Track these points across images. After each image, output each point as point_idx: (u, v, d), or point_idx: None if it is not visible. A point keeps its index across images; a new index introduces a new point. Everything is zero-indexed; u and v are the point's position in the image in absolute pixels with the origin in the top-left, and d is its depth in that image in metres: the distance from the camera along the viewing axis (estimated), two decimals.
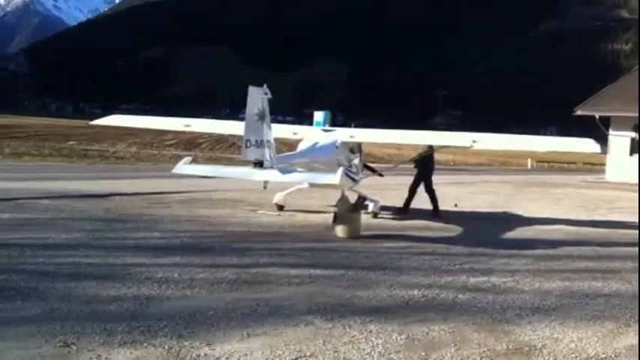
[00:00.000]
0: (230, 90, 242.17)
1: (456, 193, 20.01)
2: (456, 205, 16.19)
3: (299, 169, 10.82)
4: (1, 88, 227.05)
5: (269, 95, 10.16)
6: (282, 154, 11.45)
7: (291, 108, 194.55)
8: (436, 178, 27.24)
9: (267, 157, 10.02)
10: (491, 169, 44.44)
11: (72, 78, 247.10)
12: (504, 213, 15.37)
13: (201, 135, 49.39)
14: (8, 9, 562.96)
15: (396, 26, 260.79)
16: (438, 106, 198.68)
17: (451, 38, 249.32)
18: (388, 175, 16.52)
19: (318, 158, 11.63)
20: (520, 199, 18.96)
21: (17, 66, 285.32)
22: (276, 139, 10.66)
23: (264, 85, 10.21)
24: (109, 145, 44.24)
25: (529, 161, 48.46)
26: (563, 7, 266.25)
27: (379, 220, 12.83)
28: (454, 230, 11.80)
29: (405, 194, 14.39)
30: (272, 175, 10.13)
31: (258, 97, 10.02)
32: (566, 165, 47.75)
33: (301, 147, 12.50)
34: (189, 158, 11.17)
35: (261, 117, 10.04)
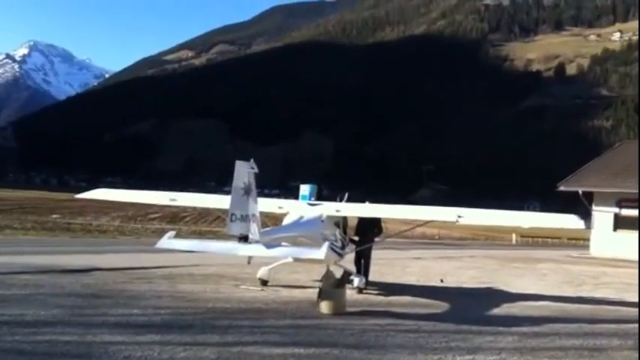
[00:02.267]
0: (216, 163, 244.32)
1: (442, 268, 20.04)
2: (442, 281, 16.14)
3: (284, 244, 10.75)
4: None
5: (255, 169, 10.21)
6: (268, 229, 11.40)
7: (278, 181, 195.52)
8: (423, 253, 27.53)
9: (252, 231, 9.99)
10: (476, 243, 44.51)
11: (58, 151, 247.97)
12: (489, 289, 15.29)
13: (185, 209, 49.37)
14: None
15: (379, 100, 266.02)
16: (423, 180, 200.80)
17: (434, 113, 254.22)
18: (375, 249, 16.44)
19: (303, 232, 11.60)
20: (505, 275, 18.92)
21: (4, 140, 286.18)
22: (261, 213, 10.65)
23: (251, 160, 10.28)
24: (92, 219, 43.95)
25: (513, 236, 48.68)
26: (543, 85, 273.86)
27: (364, 295, 12.69)
28: (440, 307, 11.66)
29: (390, 268, 14.29)
30: (257, 250, 10.06)
31: (244, 171, 10.07)
32: (550, 240, 47.98)
33: (287, 221, 12.48)
34: (173, 232, 11.10)
35: (247, 191, 10.05)
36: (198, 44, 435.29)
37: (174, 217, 51.63)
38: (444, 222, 14.23)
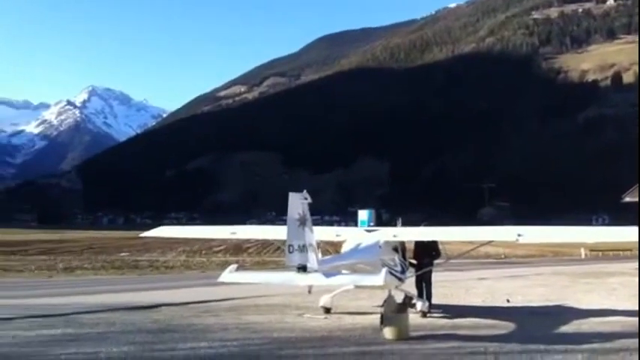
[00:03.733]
0: (274, 193, 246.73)
1: (509, 287, 19.65)
2: (508, 300, 15.87)
3: (342, 272, 10.84)
4: (55, 204, 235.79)
5: (309, 200, 10.37)
6: (326, 257, 11.52)
7: (336, 207, 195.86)
8: (487, 273, 27.03)
9: (311, 260, 10.12)
10: (543, 260, 43.36)
11: (122, 191, 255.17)
12: (558, 306, 14.93)
13: (248, 240, 49.95)
14: (61, 128, 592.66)
15: (433, 121, 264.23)
16: (485, 199, 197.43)
17: (489, 131, 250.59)
18: (437, 271, 16.33)
19: (361, 259, 11.67)
20: (574, 291, 18.41)
21: (70, 182, 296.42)
22: (319, 242, 10.79)
23: (304, 191, 10.45)
24: (158, 255, 44.96)
25: (582, 251, 47.24)
26: (600, 96, 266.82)
27: (428, 319, 12.61)
28: (506, 327, 11.49)
29: (454, 290, 14.14)
30: (315, 279, 10.17)
31: (298, 202, 10.24)
32: (621, 253, 46.29)
33: (345, 248, 12.59)
34: (235, 266, 11.32)
35: (303, 221, 10.21)
36: (250, 79, 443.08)
37: (237, 249, 52.29)
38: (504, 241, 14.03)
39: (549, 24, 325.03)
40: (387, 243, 12.56)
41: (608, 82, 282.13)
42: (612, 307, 14.26)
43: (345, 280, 11.00)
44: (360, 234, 13.10)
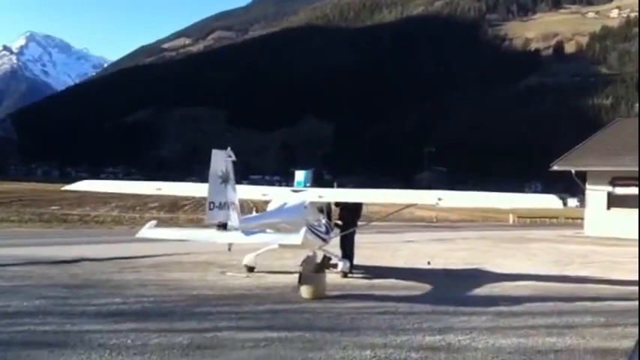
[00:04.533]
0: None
1: (432, 250, 20.19)
2: (429, 263, 16.28)
3: (261, 230, 10.90)
4: None
5: (233, 158, 10.35)
6: (248, 216, 11.57)
7: (279, 167, 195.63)
8: (416, 236, 27.71)
9: (231, 219, 10.14)
10: (473, 225, 44.69)
11: (59, 142, 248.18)
12: (476, 270, 15.43)
13: (185, 197, 49.53)
14: None
15: (379, 83, 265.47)
16: (425, 163, 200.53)
17: (433, 95, 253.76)
18: (363, 233, 16.63)
19: (285, 219, 11.75)
20: (495, 255, 19.06)
21: (4, 131, 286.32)
22: (245, 201, 10.81)
23: (228, 148, 10.41)
24: (90, 209, 44.18)
25: (510, 217, 48.89)
26: (542, 64, 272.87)
27: (349, 279, 12.86)
28: (422, 288, 11.83)
29: (381, 252, 14.41)
30: (235, 237, 10.22)
31: (221, 160, 10.21)
32: (548, 220, 48.17)
33: (270, 208, 12.65)
34: (154, 222, 11.26)
35: (225, 180, 10.19)
36: (196, 31, 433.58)
37: (173, 206, 51.83)
38: (425, 205, 14.35)
39: None
40: (312, 204, 12.65)
41: (550, 51, 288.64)
42: (527, 272, 14.83)
43: (265, 239, 11.07)
44: (286, 194, 13.17)
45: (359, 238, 17.01)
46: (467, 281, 13.02)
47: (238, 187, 14.01)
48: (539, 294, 11.50)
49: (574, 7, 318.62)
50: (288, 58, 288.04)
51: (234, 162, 10.41)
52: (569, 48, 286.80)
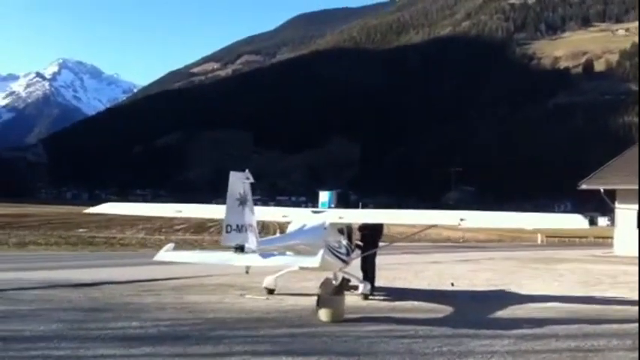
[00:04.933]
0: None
1: (457, 271, 19.91)
2: (452, 284, 16.03)
3: (280, 253, 10.81)
4: (19, 178, 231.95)
5: (251, 179, 10.31)
6: (266, 238, 11.50)
7: (305, 188, 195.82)
8: (442, 256, 27.38)
9: (249, 241, 10.07)
10: (501, 245, 44.09)
11: (88, 166, 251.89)
12: (500, 291, 15.14)
13: (212, 218, 49.67)
14: (29, 100, 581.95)
15: (406, 104, 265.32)
16: (452, 183, 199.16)
17: (461, 115, 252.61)
18: (384, 254, 16.43)
19: (304, 240, 11.64)
20: (520, 277, 18.71)
21: (35, 156, 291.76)
22: (271, 222, 10.73)
23: (246, 170, 10.38)
24: (117, 232, 44.56)
25: (539, 237, 48.14)
26: (572, 83, 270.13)
27: (369, 301, 12.68)
28: (443, 311, 11.61)
29: (404, 273, 14.22)
30: (252, 260, 10.14)
31: (239, 182, 10.17)
32: (577, 240, 47.31)
33: (290, 229, 12.57)
34: (172, 245, 11.23)
35: (243, 201, 10.15)
36: (224, 56, 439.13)
37: (199, 228, 52.05)
38: (447, 226, 14.14)
39: (525, 9, 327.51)
40: (332, 225, 12.54)
41: (580, 69, 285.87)
42: (552, 294, 14.50)
43: (283, 262, 10.95)
44: (306, 215, 13.08)
45: (382, 259, 16.88)
46: (490, 303, 12.75)
47: (260, 208, 14.01)
48: (563, 316, 11.21)
49: (603, 25, 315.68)
50: (315, 80, 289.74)
51: (252, 184, 10.36)
52: (599, 66, 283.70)
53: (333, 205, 14.19)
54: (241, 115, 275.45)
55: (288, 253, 11.35)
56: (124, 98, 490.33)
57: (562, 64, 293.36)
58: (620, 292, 15.04)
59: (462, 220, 11.70)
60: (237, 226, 9.97)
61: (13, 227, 45.98)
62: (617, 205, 30.69)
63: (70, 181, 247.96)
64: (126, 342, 8.19)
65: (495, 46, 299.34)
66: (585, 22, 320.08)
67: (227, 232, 9.94)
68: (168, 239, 37.78)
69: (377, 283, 14.15)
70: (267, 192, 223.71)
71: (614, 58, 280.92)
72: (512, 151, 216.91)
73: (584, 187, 31.38)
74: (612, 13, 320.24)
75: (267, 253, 10.30)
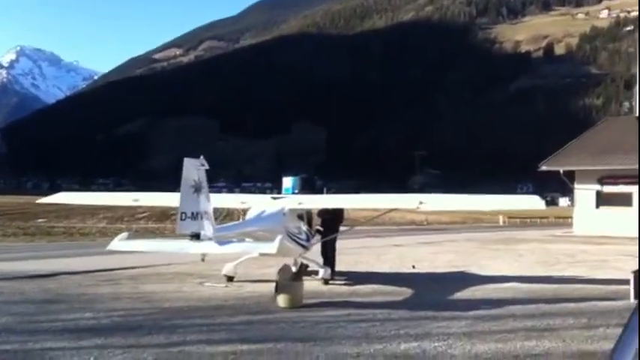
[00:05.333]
0: (209, 160, 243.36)
1: (419, 254, 19.99)
2: (413, 267, 16.09)
3: (236, 240, 10.66)
4: None
5: (206, 166, 10.12)
6: (224, 225, 11.34)
7: (271, 174, 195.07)
8: (405, 239, 27.49)
9: (205, 228, 9.90)
10: (463, 227, 44.52)
11: (49, 155, 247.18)
12: (461, 273, 15.23)
13: (171, 207, 49.05)
14: None
15: (370, 89, 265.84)
16: (417, 167, 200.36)
17: (424, 99, 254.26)
18: (346, 238, 16.41)
19: (263, 227, 11.50)
20: (481, 258, 18.86)
21: None
22: (224, 209, 10.58)
23: (201, 157, 10.19)
24: (78, 221, 43.78)
25: (500, 218, 48.77)
26: (532, 67, 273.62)
27: (330, 286, 12.62)
28: (403, 294, 11.60)
29: (366, 257, 14.18)
30: (208, 247, 9.98)
31: (193, 169, 9.97)
32: (538, 220, 48.07)
33: (248, 216, 12.42)
34: (126, 234, 11.00)
35: (198, 189, 9.95)
36: (186, 42, 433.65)
37: (162, 216, 51.31)
38: (405, 209, 14.15)
39: None
40: (291, 211, 12.43)
41: (541, 53, 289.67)
42: (512, 274, 14.63)
43: (239, 248, 10.79)
44: (265, 202, 12.95)
45: (345, 244, 16.88)
46: (449, 285, 12.80)
47: (218, 195, 13.82)
48: (521, 296, 11.31)
49: (563, 9, 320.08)
50: (280, 66, 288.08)
51: (207, 170, 10.17)
52: (559, 49, 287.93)
53: (297, 191, 14.07)
54: (205, 102, 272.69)
55: (247, 239, 11.22)
56: (84, 86, 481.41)
57: (523, 48, 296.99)
58: (578, 272, 15.24)
59: (420, 203, 11.70)
60: (192, 213, 9.79)
61: None
62: (576, 185, 31.17)
63: (30, 171, 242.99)
64: (77, 334, 7.98)
65: (458, 30, 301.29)
66: (546, 7, 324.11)
67: (182, 219, 9.75)
68: (130, 228, 37.25)
69: (338, 268, 14.11)
70: (232, 179, 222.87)
71: (574, 41, 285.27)
72: (476, 135, 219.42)
73: (544, 168, 31.80)
74: None
75: (224, 240, 10.14)
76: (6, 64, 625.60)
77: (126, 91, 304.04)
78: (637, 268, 10.24)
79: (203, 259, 11.69)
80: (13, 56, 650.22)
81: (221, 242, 9.98)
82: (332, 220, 13.56)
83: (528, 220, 48.63)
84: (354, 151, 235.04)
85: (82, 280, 13.22)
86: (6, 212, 48.28)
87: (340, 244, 17.80)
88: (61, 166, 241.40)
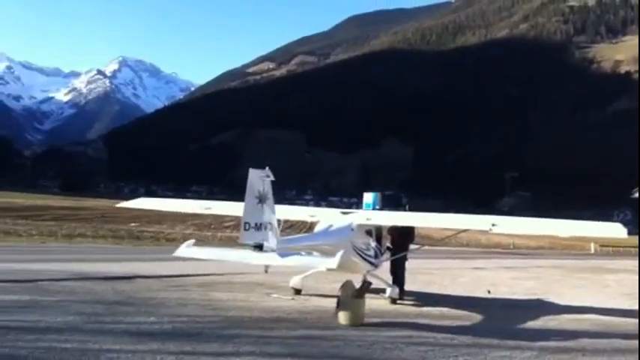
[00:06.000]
0: (297, 172, 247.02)
1: (498, 278, 19.37)
2: (489, 292, 15.57)
3: (299, 253, 10.60)
4: (79, 172, 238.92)
5: (271, 177, 10.15)
6: (289, 237, 11.34)
7: (356, 189, 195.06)
8: (486, 262, 26.71)
9: (268, 239, 9.92)
10: (552, 253, 42.82)
11: (146, 162, 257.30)
12: (538, 300, 14.60)
13: None
14: (90, 97, 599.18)
15: (461, 106, 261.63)
16: (507, 188, 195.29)
17: (517, 119, 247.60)
18: (426, 258, 16.10)
19: (327, 241, 11.41)
20: (564, 286, 18.06)
21: (95, 151, 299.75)
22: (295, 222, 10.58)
23: (266, 168, 10.23)
24: (167, 227, 45.21)
25: (592, 245, 46.57)
26: (633, 87, 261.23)
27: (396, 306, 12.37)
28: (471, 319, 11.21)
29: (442, 278, 13.84)
30: (270, 259, 9.99)
31: (258, 180, 10.02)
32: (632, 250, 45.44)
33: (316, 229, 12.39)
34: (192, 241, 11.20)
35: (262, 199, 10.00)
36: (279, 56, 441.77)
37: None
38: (478, 230, 13.68)
39: (585, 12, 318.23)
40: (360, 226, 12.27)
41: None
42: (592, 305, 13.88)
43: (301, 262, 10.71)
44: (334, 216, 12.86)
45: (423, 263, 16.56)
46: (523, 312, 12.29)
47: (288, 207, 13.85)
48: (597, 329, 10.69)
49: None
50: (370, 81, 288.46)
51: (272, 182, 10.21)
52: None
53: (377, 207, 13.92)
54: (295, 115, 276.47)
55: (314, 253, 11.16)
56: (182, 96, 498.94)
57: (623, 69, 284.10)
58: None
59: (493, 225, 11.27)
60: (256, 224, 9.83)
61: (68, 220, 47.22)
62: None
63: (128, 177, 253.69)
64: (136, 337, 8.14)
65: (554, 49, 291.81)
66: None
67: (245, 229, 9.81)
68: (215, 236, 38.21)
69: (409, 287, 13.85)
70: (319, 192, 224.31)
71: None
72: (571, 157, 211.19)
73: (636, 196, 30.18)
74: None
75: (286, 252, 10.12)
76: (109, 74, 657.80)
77: (220, 103, 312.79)
78: None
79: (266, 271, 11.73)
80: (115, 66, 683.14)
81: (283, 254, 9.97)
82: (402, 237, 13.30)
83: (621, 248, 46.18)
84: (442, 169, 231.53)
85: (154, 285, 13.56)
86: (102, 215, 50.47)
87: (417, 264, 17.51)
88: (158, 173, 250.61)
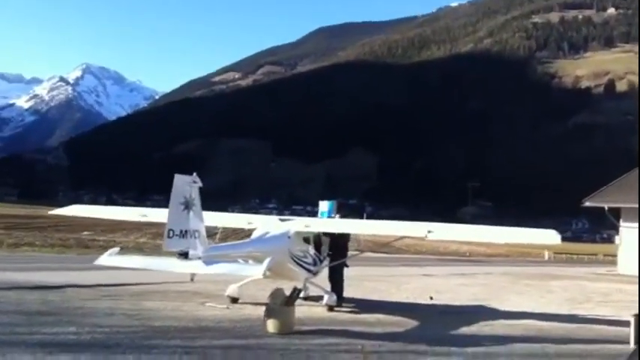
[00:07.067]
0: (262, 181, 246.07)
1: (445, 285, 19.36)
2: (431, 298, 15.53)
3: (224, 260, 10.34)
4: (39, 180, 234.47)
5: (199, 183, 9.91)
6: (218, 245, 11.12)
7: (321, 198, 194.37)
8: (438, 270, 26.76)
9: (194, 247, 9.66)
10: (505, 260, 43.24)
11: (108, 170, 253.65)
12: (478, 306, 14.59)
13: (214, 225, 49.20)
14: (52, 104, 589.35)
15: (425, 118, 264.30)
16: (469, 198, 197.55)
17: (480, 131, 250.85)
18: (377, 265, 15.98)
19: (262, 248, 11.20)
20: (508, 292, 18.13)
21: (56, 159, 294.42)
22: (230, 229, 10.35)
23: (194, 174, 10.00)
24: (122, 236, 44.36)
25: (546, 253, 47.20)
26: (592, 102, 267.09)
27: (333, 313, 12.19)
28: (405, 325, 11.10)
29: (387, 285, 13.75)
30: (195, 267, 9.73)
31: (185, 186, 9.77)
32: (586, 257, 46.25)
33: (252, 237, 12.18)
34: (116, 249, 10.89)
35: (189, 206, 9.74)
36: (245, 66, 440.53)
37: (208, 233, 51.62)
38: (414, 237, 13.63)
39: (549, 28, 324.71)
40: (298, 233, 12.11)
41: (601, 89, 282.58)
42: (533, 311, 13.90)
43: (227, 269, 10.43)
44: (272, 223, 12.67)
45: (373, 271, 16.47)
46: (461, 318, 12.21)
47: (225, 215, 13.61)
48: (530, 334, 10.66)
49: (627, 46, 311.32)
50: (336, 92, 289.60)
51: (200, 188, 9.97)
52: (621, 86, 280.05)
53: (333, 215, 13.83)
54: (260, 124, 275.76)
55: (250, 261, 10.95)
56: (146, 105, 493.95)
57: (584, 84, 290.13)
58: (604, 311, 14.40)
59: (429, 232, 11.23)
60: (181, 231, 9.56)
61: (20, 228, 45.96)
62: (621, 223, 29.87)
63: (89, 185, 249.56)
64: (49, 348, 7.81)
65: (517, 63, 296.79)
66: (608, 43, 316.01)
67: (169, 237, 9.53)
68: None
69: (354, 295, 13.74)
70: (284, 201, 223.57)
71: (637, 78, 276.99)
72: (532, 169, 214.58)
73: (587, 204, 30.66)
74: (636, 34, 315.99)
75: (212, 260, 9.86)
76: (72, 81, 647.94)
77: (185, 112, 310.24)
78: (637, 311, 9.51)
79: (192, 279, 11.45)
80: (79, 73, 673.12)
81: (208, 262, 9.71)
82: (338, 245, 13.15)
83: (575, 256, 46.91)
84: (406, 179, 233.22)
85: (85, 294, 13.14)
86: (57, 224, 49.20)
87: (367, 271, 17.38)
88: (119, 182, 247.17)
